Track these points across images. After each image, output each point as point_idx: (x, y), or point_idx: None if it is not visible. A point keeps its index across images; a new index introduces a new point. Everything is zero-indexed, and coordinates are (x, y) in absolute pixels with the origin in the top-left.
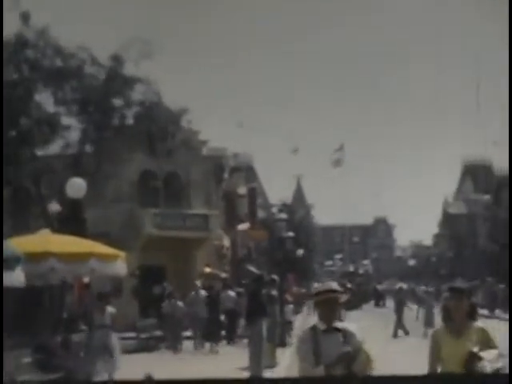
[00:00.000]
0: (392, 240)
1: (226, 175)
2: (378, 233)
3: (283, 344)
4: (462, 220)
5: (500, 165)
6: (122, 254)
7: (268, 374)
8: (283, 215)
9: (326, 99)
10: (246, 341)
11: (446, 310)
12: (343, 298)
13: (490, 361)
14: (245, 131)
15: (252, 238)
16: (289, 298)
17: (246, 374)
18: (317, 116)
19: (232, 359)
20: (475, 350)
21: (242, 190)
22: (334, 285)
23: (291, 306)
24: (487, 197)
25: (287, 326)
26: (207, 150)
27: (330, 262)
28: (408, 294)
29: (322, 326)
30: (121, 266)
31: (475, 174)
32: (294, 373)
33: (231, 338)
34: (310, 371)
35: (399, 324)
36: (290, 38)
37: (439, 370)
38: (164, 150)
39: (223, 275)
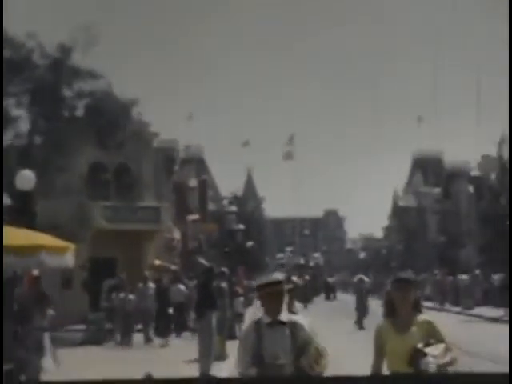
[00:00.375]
0: (343, 232)
1: (176, 167)
2: (328, 225)
3: (233, 336)
4: (411, 213)
5: (449, 158)
6: (71, 246)
7: (217, 366)
8: (234, 208)
9: (276, 92)
10: (195, 333)
11: (390, 303)
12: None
13: (436, 356)
14: (195, 123)
15: (202, 230)
16: (239, 290)
17: (195, 367)
18: (268, 108)
19: (182, 352)
20: (420, 345)
21: (193, 182)
22: (278, 276)
23: (241, 299)
24: (437, 190)
25: (237, 318)
26: (158, 142)
27: (280, 255)
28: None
29: (266, 320)
30: (70, 258)
31: (425, 167)
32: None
33: (181, 331)
34: (247, 368)
35: (362, 315)
36: (242, 28)
37: (384, 366)
38: (114, 142)
39: (173, 267)
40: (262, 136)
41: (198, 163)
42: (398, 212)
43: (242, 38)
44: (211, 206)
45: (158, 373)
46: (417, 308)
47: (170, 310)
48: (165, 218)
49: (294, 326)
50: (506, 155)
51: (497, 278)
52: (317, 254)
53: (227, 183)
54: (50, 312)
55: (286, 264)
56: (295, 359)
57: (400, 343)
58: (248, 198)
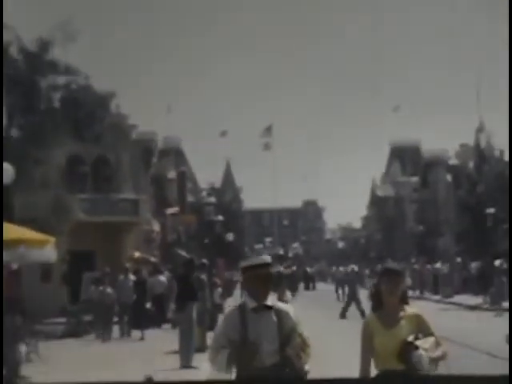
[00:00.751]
0: (321, 223)
1: (155, 159)
2: (307, 216)
3: (213, 328)
4: (389, 202)
5: (426, 147)
6: (51, 239)
7: (198, 358)
8: (212, 199)
9: (254, 81)
10: (175, 325)
11: (378, 296)
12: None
13: (427, 350)
14: (173, 114)
15: (181, 222)
16: (218, 281)
17: (176, 359)
18: (245, 98)
19: (161, 344)
20: (410, 338)
21: (171, 173)
22: (266, 258)
23: (219, 290)
24: (415, 179)
25: (217, 309)
26: (136, 134)
27: (260, 246)
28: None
29: (251, 304)
30: (50, 251)
31: (403, 156)
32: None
33: (160, 323)
34: (218, 349)
35: (347, 304)
36: (216, 20)
37: (372, 361)
38: (92, 134)
39: (153, 259)
40: (240, 127)
41: (176, 155)
42: (376, 202)
43: (217, 31)
44: (190, 198)
45: (139, 365)
46: (404, 300)
47: (149, 302)
48: (143, 210)
49: (280, 313)
50: (483, 143)
51: (475, 265)
52: (296, 245)
53: (206, 175)
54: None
55: (266, 254)
56: (280, 348)
57: (389, 337)
58: (226, 189)
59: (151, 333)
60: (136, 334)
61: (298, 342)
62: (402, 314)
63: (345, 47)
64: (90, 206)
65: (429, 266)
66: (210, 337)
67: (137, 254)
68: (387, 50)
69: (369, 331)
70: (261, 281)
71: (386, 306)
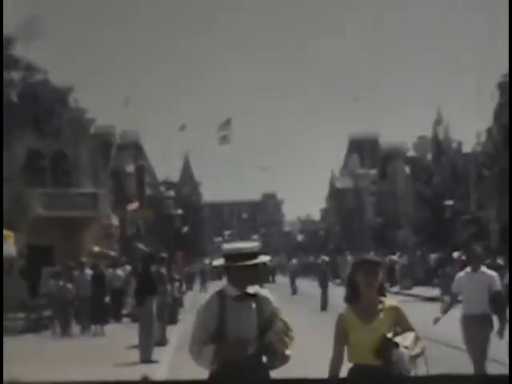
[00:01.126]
0: (281, 215)
1: (113, 153)
2: (266, 209)
3: (173, 322)
4: (348, 194)
5: (385, 139)
6: (10, 234)
7: (158, 351)
8: (171, 193)
9: (212, 74)
10: (134, 319)
11: (354, 287)
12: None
13: (408, 348)
14: (132, 109)
15: (140, 216)
16: (177, 275)
17: (136, 353)
18: (205, 92)
19: (121, 338)
20: (390, 335)
21: (130, 167)
22: (253, 245)
23: (177, 284)
24: (373, 171)
25: (177, 303)
26: (95, 128)
27: (219, 239)
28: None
29: (233, 292)
30: (10, 246)
31: (361, 148)
32: (185, 349)
33: (119, 317)
34: (202, 346)
35: (324, 297)
36: (177, 12)
37: (346, 358)
38: (51, 129)
39: (112, 254)
40: (198, 120)
41: (134, 149)
42: (335, 194)
43: (177, 24)
44: (149, 192)
45: (99, 360)
46: (381, 292)
47: (107, 296)
48: (102, 205)
49: (260, 300)
50: (441, 135)
51: (434, 257)
52: (255, 237)
53: (165, 169)
54: None
55: None
56: (260, 335)
57: (367, 332)
58: (185, 183)
59: (111, 327)
60: (95, 328)
61: (280, 327)
62: (380, 306)
63: (305, 39)
64: (49, 201)
65: (388, 258)
66: (170, 330)
67: (96, 249)
68: (348, 44)
69: (344, 325)
70: (247, 271)
71: (363, 299)
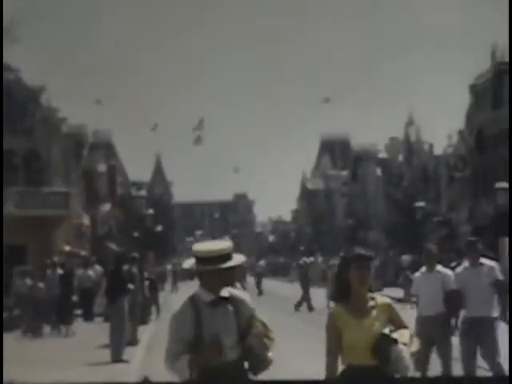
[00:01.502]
0: (252, 216)
1: (85, 153)
2: (238, 209)
3: (144, 321)
4: (319, 195)
5: (357, 140)
6: None
7: (129, 351)
8: (143, 193)
9: (187, 74)
10: (105, 319)
11: (345, 284)
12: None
13: (407, 344)
14: (104, 108)
15: (111, 215)
16: (152, 275)
17: (107, 352)
18: (177, 93)
19: (92, 338)
20: (386, 331)
21: (102, 167)
22: (225, 245)
23: (147, 283)
24: (345, 172)
25: (148, 303)
26: (67, 128)
27: (190, 239)
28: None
29: (206, 297)
30: None
31: (333, 149)
32: (156, 349)
33: (89, 317)
34: (178, 357)
35: (306, 297)
36: (150, 10)
37: (340, 358)
38: (23, 127)
39: (83, 253)
40: (171, 121)
41: (106, 148)
42: (306, 195)
43: (151, 22)
44: (120, 191)
45: (69, 360)
46: (370, 288)
47: (77, 296)
48: (74, 204)
49: (237, 303)
50: (412, 137)
51: (405, 258)
52: (226, 238)
53: (136, 168)
54: None
55: None
56: (240, 339)
57: (361, 330)
58: (157, 183)
59: (82, 327)
60: (65, 328)
61: (259, 329)
62: (372, 303)
63: (279, 39)
64: (20, 200)
65: None
66: (141, 331)
67: (67, 248)
68: (321, 45)
69: (337, 324)
70: (221, 274)
71: (354, 296)
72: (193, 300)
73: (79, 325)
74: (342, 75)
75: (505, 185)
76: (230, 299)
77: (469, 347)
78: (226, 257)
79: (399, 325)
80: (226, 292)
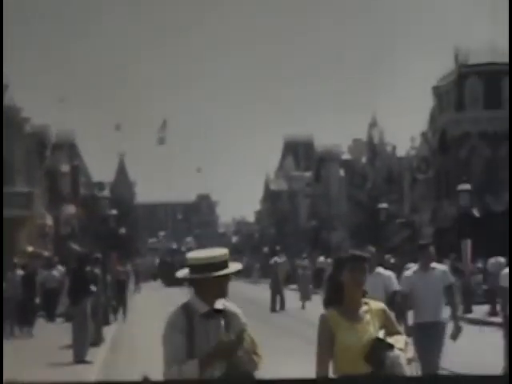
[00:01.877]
0: (215, 217)
1: (48, 153)
2: (201, 210)
3: (107, 322)
4: (283, 196)
5: (320, 141)
6: None
7: (93, 351)
8: (106, 193)
9: (151, 75)
10: (67, 319)
11: (339, 287)
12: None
13: (403, 350)
14: (67, 107)
15: (74, 216)
16: (116, 276)
17: (70, 353)
18: (141, 94)
19: (54, 339)
20: (381, 335)
21: (65, 167)
22: (221, 253)
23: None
24: (308, 173)
25: (113, 304)
26: (30, 127)
27: (153, 240)
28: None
29: (201, 308)
30: None
31: (296, 150)
32: (120, 350)
33: (52, 317)
34: (177, 370)
35: (275, 298)
36: (118, 10)
37: (332, 363)
38: None
39: (46, 254)
40: (134, 121)
41: (69, 148)
42: (269, 196)
43: (115, 22)
44: (83, 192)
45: (32, 361)
46: (364, 292)
47: (38, 297)
48: (37, 204)
49: (229, 316)
50: (376, 139)
51: None
52: (189, 239)
53: (99, 169)
54: None
55: (159, 248)
56: (229, 356)
57: (354, 334)
58: (120, 184)
59: (44, 327)
60: (23, 330)
61: (248, 345)
62: (365, 308)
63: (244, 40)
64: None
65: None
66: (104, 331)
67: (30, 248)
68: (284, 47)
69: (329, 328)
70: (218, 283)
71: (347, 300)
72: (185, 309)
73: (41, 325)
74: (305, 76)
75: (467, 186)
76: (222, 312)
77: (423, 348)
78: (223, 264)
79: (394, 331)
80: (220, 304)
